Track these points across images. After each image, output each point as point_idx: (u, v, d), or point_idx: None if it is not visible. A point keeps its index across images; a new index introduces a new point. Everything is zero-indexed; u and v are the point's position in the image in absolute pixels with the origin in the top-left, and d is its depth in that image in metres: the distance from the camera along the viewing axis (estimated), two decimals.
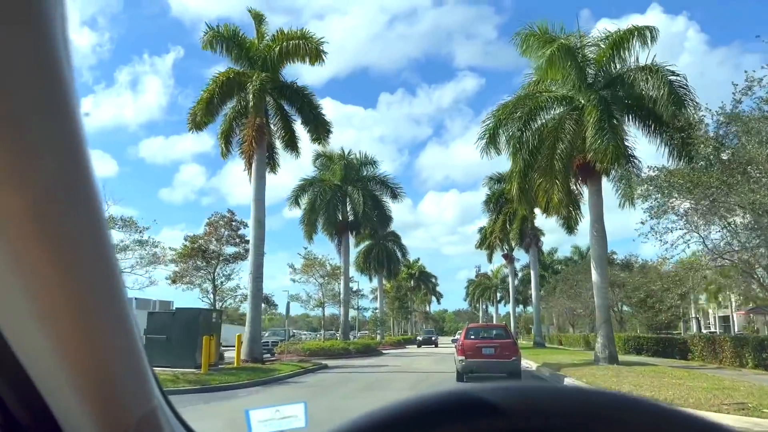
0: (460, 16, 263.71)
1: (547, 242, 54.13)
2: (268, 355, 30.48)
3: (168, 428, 0.82)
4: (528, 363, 21.17)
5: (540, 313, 46.01)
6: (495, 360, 14.89)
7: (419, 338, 57.07)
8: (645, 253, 73.17)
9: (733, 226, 16.60)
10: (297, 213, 35.32)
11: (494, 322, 58.77)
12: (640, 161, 18.65)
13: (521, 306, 75.75)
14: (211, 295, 24.93)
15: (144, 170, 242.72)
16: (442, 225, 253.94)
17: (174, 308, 22.18)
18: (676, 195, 15.31)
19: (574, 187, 21.05)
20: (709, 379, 12.59)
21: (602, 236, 19.04)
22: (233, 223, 25.68)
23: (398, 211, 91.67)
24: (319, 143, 23.45)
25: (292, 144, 23.53)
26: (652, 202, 15.28)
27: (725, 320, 53.76)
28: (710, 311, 55.22)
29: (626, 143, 18.44)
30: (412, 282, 73.61)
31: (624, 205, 19.85)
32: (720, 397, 9.81)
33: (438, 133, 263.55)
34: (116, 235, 20.25)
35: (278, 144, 23.92)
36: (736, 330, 43.33)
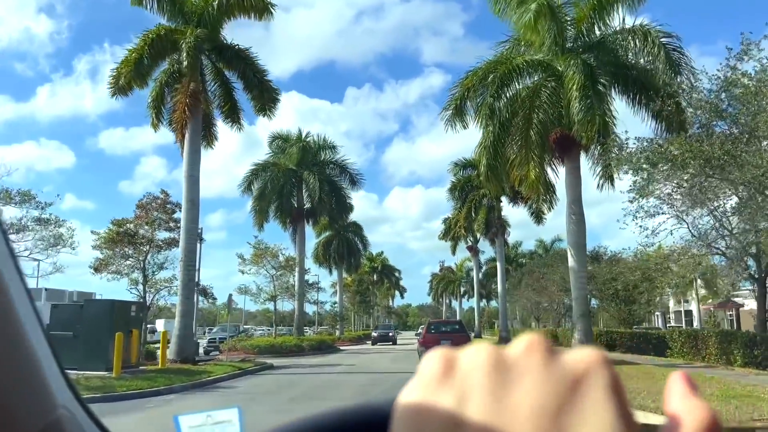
0: (428, 13, 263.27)
1: (510, 238, 52.30)
2: (216, 352, 27.93)
3: None
4: None
5: (506, 307, 44.33)
6: None
7: (374, 334, 45.43)
8: (614, 245, 72.71)
9: (721, 210, 14.85)
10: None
11: (454, 318, 57.57)
12: (622, 136, 16.65)
13: (485, 300, 74.67)
14: (141, 286, 21.85)
15: (103, 162, 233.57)
16: (408, 220, 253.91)
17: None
18: (666, 170, 13.35)
19: (549, 168, 18.94)
20: (713, 383, 10.62)
21: (581, 219, 16.95)
22: (168, 206, 22.53)
23: (363, 205, 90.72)
24: (264, 114, 20.51)
25: (233, 115, 20.60)
26: (641, 176, 13.29)
27: (686, 315, 53.46)
28: (671, 305, 54.93)
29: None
30: (374, 276, 71.46)
31: (603, 187, 18.04)
32: (745, 410, 7.74)
33: (404, 128, 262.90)
34: (11, 212, 17.13)
35: (219, 117, 21.09)
36: (696, 324, 42.96)
